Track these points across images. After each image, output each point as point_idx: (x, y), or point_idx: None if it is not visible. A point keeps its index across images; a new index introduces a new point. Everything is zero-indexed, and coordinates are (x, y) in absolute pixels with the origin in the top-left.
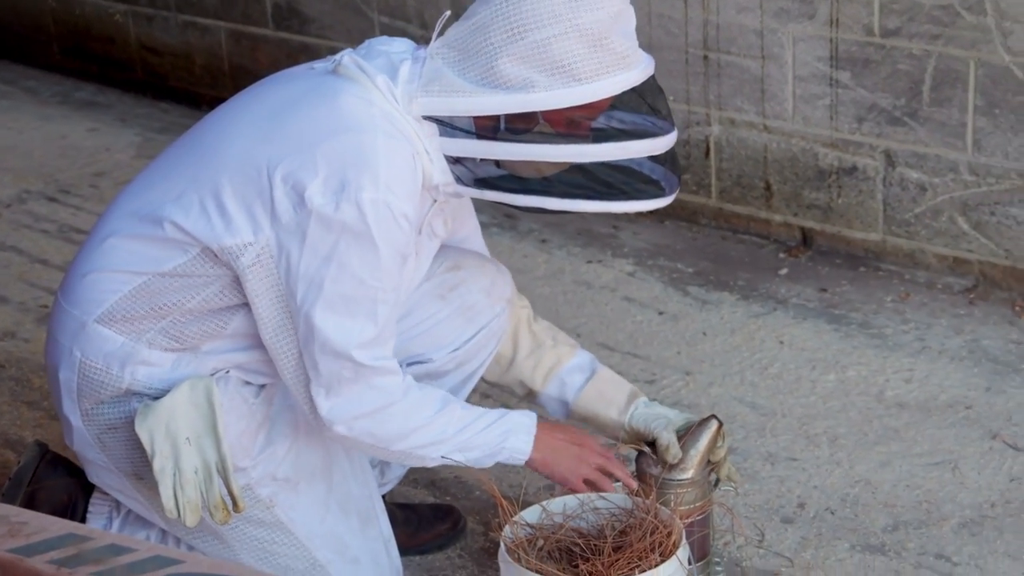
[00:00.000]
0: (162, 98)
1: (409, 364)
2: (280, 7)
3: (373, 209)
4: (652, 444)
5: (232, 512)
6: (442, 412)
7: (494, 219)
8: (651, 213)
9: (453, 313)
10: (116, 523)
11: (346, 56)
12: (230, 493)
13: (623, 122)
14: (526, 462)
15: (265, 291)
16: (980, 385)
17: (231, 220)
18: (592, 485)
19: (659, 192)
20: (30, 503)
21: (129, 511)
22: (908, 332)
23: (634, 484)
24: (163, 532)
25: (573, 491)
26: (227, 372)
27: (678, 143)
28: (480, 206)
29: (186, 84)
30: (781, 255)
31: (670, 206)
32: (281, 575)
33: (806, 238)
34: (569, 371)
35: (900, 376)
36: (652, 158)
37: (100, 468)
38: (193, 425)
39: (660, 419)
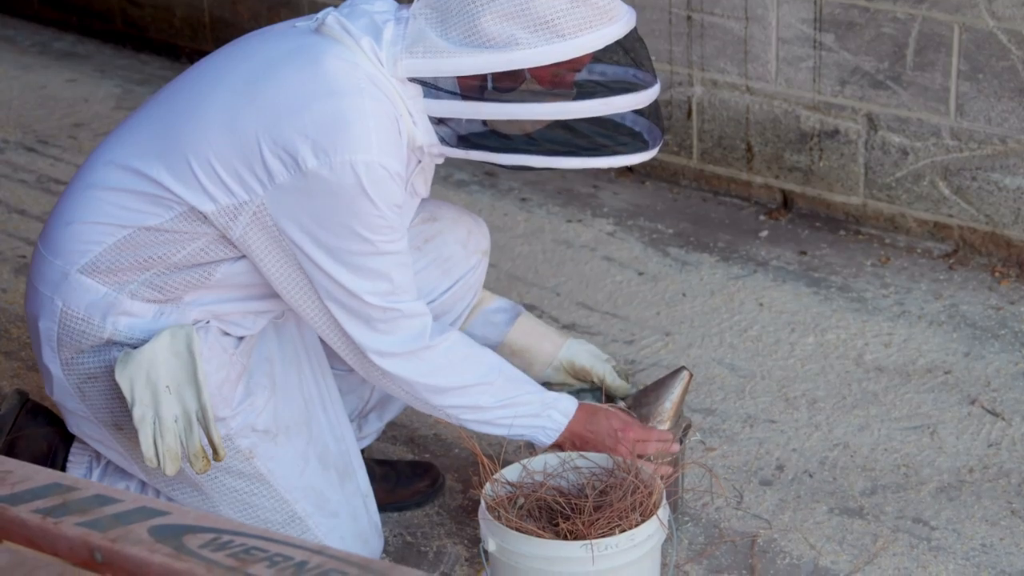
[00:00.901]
0: (141, 50)
1: None
2: None
3: (367, 171)
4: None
5: (212, 461)
6: (485, 379)
7: (474, 176)
8: (632, 173)
9: (429, 264)
10: (96, 474)
11: (330, 16)
12: (210, 442)
13: (606, 75)
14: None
15: (268, 249)
16: (959, 350)
17: (220, 183)
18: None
19: (643, 145)
20: (10, 451)
21: (109, 462)
22: (888, 296)
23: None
24: (143, 484)
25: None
26: (207, 323)
27: (660, 103)
28: (460, 163)
29: (166, 36)
30: (761, 217)
31: (651, 166)
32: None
33: (787, 201)
34: (494, 311)
35: (879, 340)
36: (635, 111)
37: (80, 418)
38: (173, 374)
39: (599, 358)
